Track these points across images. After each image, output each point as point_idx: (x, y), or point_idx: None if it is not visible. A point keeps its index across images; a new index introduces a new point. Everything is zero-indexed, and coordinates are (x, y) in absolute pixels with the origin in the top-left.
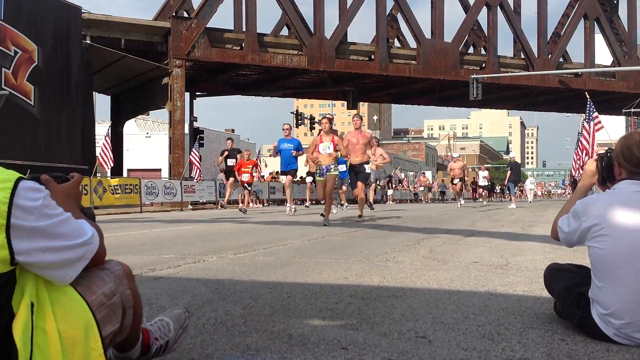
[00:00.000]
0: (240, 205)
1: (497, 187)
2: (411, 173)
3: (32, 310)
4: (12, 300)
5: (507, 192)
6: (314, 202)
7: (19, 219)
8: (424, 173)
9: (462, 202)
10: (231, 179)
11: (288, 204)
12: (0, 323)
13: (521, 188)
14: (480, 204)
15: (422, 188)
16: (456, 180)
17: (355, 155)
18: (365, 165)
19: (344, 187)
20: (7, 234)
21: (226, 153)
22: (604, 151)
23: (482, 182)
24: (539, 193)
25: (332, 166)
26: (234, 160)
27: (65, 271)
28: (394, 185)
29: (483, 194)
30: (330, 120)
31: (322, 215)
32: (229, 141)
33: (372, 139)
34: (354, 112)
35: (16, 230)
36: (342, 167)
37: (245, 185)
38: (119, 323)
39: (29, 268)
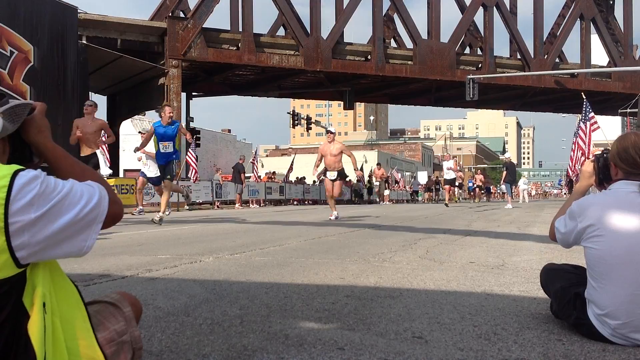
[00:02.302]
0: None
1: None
2: (407, 173)
3: (44, 309)
4: (24, 297)
5: (485, 192)
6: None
7: (19, 216)
8: (379, 164)
9: (335, 214)
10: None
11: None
12: (13, 322)
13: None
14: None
15: (377, 183)
16: (333, 175)
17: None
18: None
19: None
20: (7, 237)
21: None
22: (600, 152)
23: (447, 174)
24: (533, 193)
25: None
26: None
27: (79, 242)
28: (390, 186)
29: (446, 190)
30: None
31: None
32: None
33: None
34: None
35: (16, 230)
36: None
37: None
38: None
39: (42, 256)
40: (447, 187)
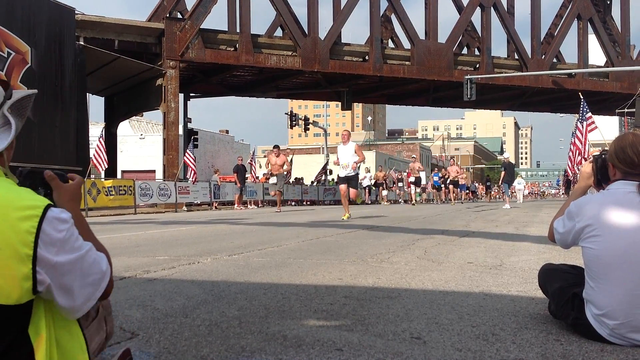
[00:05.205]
0: None
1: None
2: (406, 173)
3: (49, 339)
4: (29, 329)
5: (468, 191)
6: None
7: (44, 250)
8: (276, 146)
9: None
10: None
11: None
12: (19, 353)
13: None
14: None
15: (273, 180)
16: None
17: None
18: None
19: None
20: (33, 265)
21: None
22: (598, 152)
23: (343, 168)
24: (526, 192)
25: None
26: None
27: (76, 308)
28: (389, 186)
29: (351, 194)
30: None
31: None
32: None
33: None
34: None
35: (41, 261)
36: None
37: None
38: (105, 332)
39: (45, 297)
40: (343, 187)
